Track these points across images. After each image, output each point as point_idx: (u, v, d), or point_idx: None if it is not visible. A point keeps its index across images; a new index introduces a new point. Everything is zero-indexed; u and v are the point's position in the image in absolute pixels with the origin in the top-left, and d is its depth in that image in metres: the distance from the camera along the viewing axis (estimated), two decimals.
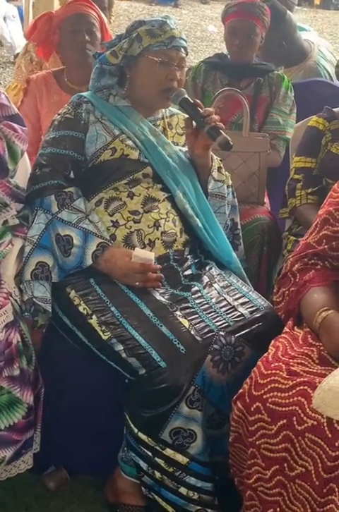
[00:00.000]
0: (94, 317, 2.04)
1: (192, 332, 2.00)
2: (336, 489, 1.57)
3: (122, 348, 1.98)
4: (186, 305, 2.09)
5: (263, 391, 1.73)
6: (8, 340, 1.97)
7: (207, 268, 2.27)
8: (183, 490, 1.98)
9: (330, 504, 1.58)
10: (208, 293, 2.15)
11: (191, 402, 1.94)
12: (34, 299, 2.12)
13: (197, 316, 2.05)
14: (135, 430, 1.99)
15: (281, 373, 1.74)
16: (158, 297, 2.10)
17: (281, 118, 3.19)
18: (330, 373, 1.71)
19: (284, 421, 1.68)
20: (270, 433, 1.71)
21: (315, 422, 1.63)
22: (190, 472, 1.97)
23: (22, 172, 2.35)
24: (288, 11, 3.89)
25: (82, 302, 2.09)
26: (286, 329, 1.97)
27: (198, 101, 2.31)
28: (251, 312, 2.10)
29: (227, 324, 2.04)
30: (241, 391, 1.81)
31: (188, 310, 2.07)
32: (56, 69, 3.23)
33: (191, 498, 1.99)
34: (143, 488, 2.07)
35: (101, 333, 2.02)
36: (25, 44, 3.63)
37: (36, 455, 2.10)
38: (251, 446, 1.75)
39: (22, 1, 8.19)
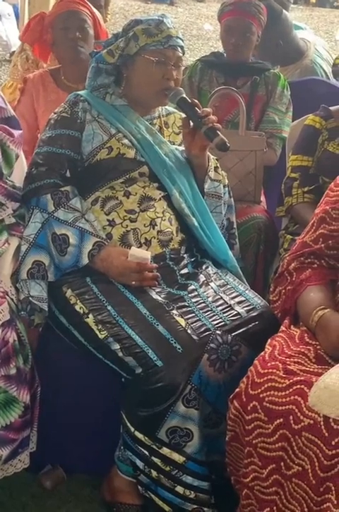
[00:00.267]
0: (90, 315, 2.04)
1: (188, 331, 2.00)
2: (333, 488, 1.57)
3: (118, 347, 1.98)
4: (183, 303, 2.08)
5: (259, 390, 1.73)
6: (4, 339, 1.97)
7: (203, 267, 2.26)
8: (179, 489, 1.98)
9: (326, 503, 1.58)
10: (205, 291, 2.15)
11: (188, 401, 1.94)
12: (30, 298, 2.11)
13: (193, 315, 2.05)
14: (132, 429, 1.99)
15: (278, 372, 1.74)
16: (154, 296, 2.10)
17: (277, 117, 3.18)
18: (326, 372, 1.71)
19: (281, 420, 1.68)
20: (266, 432, 1.71)
21: (311, 421, 1.63)
22: (186, 471, 1.97)
23: (19, 171, 2.35)
24: (284, 10, 3.89)
25: (78, 301, 2.08)
26: (282, 328, 1.97)
27: (196, 101, 2.30)
28: (248, 311, 2.10)
29: (223, 322, 2.04)
30: (237, 390, 1.81)
31: (184, 309, 2.06)
32: (53, 67, 3.23)
33: (187, 497, 1.99)
34: (139, 487, 2.06)
35: (97, 332, 2.02)
36: (21, 43, 3.63)
37: (32, 454, 2.10)
38: (248, 444, 1.75)
39: None
